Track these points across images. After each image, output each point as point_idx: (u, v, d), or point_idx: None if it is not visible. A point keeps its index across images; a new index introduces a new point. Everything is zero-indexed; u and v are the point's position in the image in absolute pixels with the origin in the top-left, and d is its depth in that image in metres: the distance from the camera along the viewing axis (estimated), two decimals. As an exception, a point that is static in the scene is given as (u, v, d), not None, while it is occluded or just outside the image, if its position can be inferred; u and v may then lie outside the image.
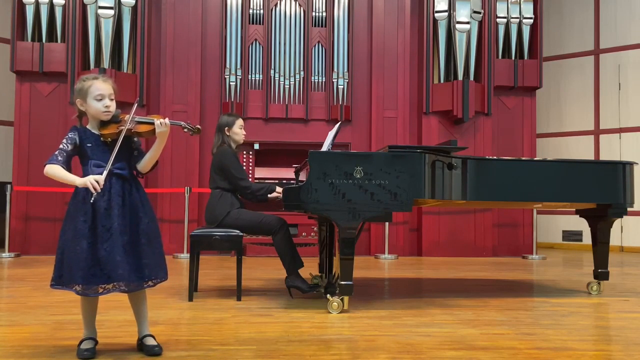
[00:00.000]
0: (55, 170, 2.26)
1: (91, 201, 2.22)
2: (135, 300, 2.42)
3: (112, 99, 2.36)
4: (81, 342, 2.34)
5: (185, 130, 2.54)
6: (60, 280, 2.26)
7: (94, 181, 2.20)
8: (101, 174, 2.25)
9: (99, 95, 2.33)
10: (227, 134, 3.96)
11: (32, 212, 6.84)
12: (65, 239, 2.26)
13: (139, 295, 2.41)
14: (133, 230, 2.30)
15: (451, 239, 7.22)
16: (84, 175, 2.29)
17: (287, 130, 7.36)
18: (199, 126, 2.60)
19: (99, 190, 2.21)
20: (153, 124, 2.39)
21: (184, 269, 5.48)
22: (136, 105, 2.47)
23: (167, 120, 2.39)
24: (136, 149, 2.44)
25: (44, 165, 2.28)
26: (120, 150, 2.31)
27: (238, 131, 3.99)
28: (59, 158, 2.28)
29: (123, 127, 2.33)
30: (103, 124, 2.37)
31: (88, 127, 2.38)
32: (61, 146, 2.30)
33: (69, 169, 2.30)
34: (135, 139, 2.43)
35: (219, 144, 3.97)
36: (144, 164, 2.43)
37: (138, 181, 2.43)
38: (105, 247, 2.23)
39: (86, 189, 2.24)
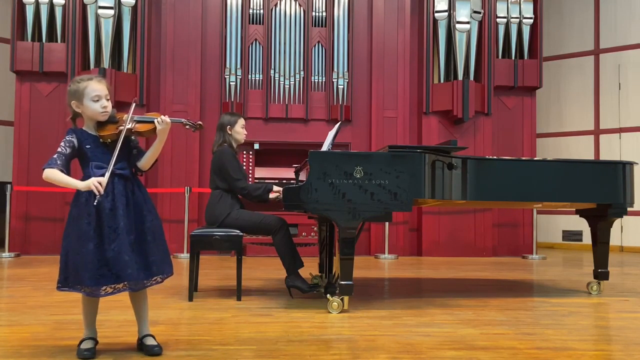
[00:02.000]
0: (55, 175, 2.22)
1: (94, 204, 2.20)
2: (137, 300, 2.42)
3: (108, 99, 2.34)
4: (81, 342, 2.34)
5: (187, 127, 2.54)
6: (66, 282, 2.26)
7: (97, 184, 2.18)
8: (103, 175, 2.24)
9: (96, 96, 2.31)
10: (229, 132, 3.96)
11: (32, 212, 6.84)
12: (69, 241, 2.25)
13: (140, 295, 2.41)
14: (139, 228, 2.31)
15: (451, 239, 7.22)
16: (85, 177, 2.28)
17: (287, 130, 7.36)
18: (200, 122, 2.59)
19: (102, 193, 2.19)
20: (153, 122, 2.38)
21: (184, 269, 5.47)
22: (134, 104, 2.43)
23: (167, 118, 2.38)
24: (135, 147, 2.43)
25: (43, 170, 2.23)
26: (119, 150, 2.29)
27: (240, 130, 3.99)
28: (58, 162, 2.24)
29: (122, 127, 2.32)
30: (100, 124, 2.35)
31: (84, 128, 2.36)
32: (59, 150, 2.26)
33: (68, 172, 2.27)
34: (133, 137, 2.42)
35: (219, 142, 3.97)
36: (145, 162, 2.42)
37: (139, 180, 2.44)
38: (113, 247, 2.23)
39: (89, 191, 2.21)
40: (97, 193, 2.17)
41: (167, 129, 2.38)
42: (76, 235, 2.23)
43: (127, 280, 2.24)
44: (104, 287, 2.24)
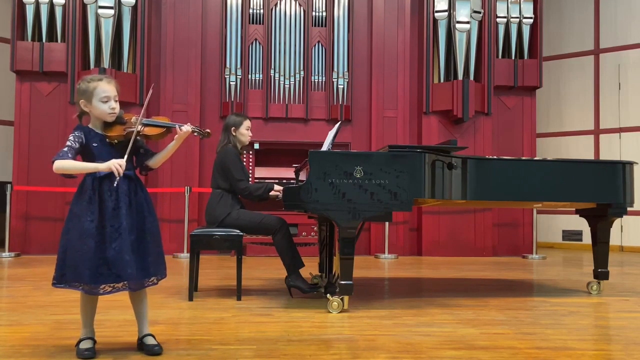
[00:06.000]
0: (68, 163, 2.24)
1: (114, 185, 2.25)
2: (136, 300, 2.43)
3: (116, 100, 2.37)
4: (79, 342, 2.34)
5: (196, 134, 2.61)
6: (62, 278, 2.26)
7: (117, 165, 2.23)
8: (109, 174, 2.27)
9: (105, 97, 2.33)
10: (234, 134, 3.96)
11: (32, 212, 6.84)
12: (69, 238, 2.26)
13: (140, 295, 2.42)
14: (139, 229, 2.32)
15: (451, 238, 7.22)
16: (89, 175, 2.31)
17: (287, 130, 7.36)
18: (208, 130, 2.68)
19: (122, 174, 2.24)
20: (162, 127, 2.45)
21: (184, 269, 5.47)
22: (144, 108, 2.47)
23: (189, 127, 2.48)
24: (141, 147, 2.47)
25: (52, 162, 2.24)
26: (124, 151, 2.32)
27: (244, 132, 3.99)
28: (69, 155, 2.26)
29: (132, 130, 2.35)
30: (107, 124, 2.39)
31: (91, 126, 2.38)
32: (69, 143, 2.28)
33: None
34: (139, 139, 2.44)
35: (223, 143, 3.98)
36: (156, 161, 2.49)
37: (141, 181, 2.45)
38: (114, 246, 2.24)
39: (92, 190, 2.27)
40: (117, 175, 2.22)
41: (185, 135, 2.46)
42: (77, 233, 2.24)
43: (127, 279, 2.25)
44: (102, 286, 2.25)
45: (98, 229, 2.24)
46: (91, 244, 2.22)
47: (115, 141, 2.36)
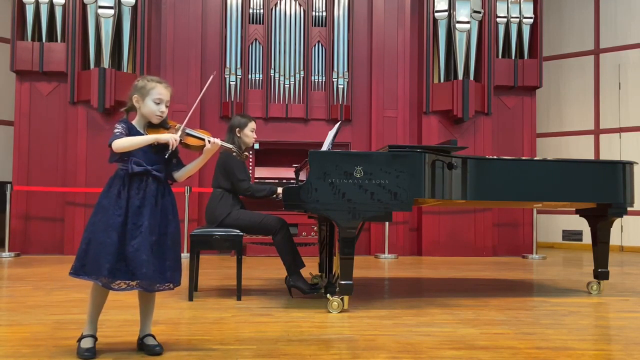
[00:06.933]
0: (126, 141, 2.30)
1: (166, 157, 2.37)
2: (146, 300, 2.44)
3: (167, 106, 2.43)
4: (81, 339, 2.34)
5: (234, 154, 2.75)
6: (82, 269, 2.26)
7: (174, 139, 2.35)
8: (141, 172, 2.33)
9: (159, 99, 2.40)
10: (238, 135, 3.96)
11: (32, 212, 6.84)
12: (94, 230, 2.28)
13: (150, 295, 2.43)
14: (162, 231, 2.35)
15: (451, 238, 7.22)
16: (121, 171, 2.35)
17: (287, 130, 7.36)
18: (246, 153, 2.73)
19: (175, 148, 2.37)
20: (202, 139, 2.49)
21: (184, 269, 5.46)
22: (188, 116, 2.54)
23: (218, 141, 2.50)
24: (176, 156, 2.50)
25: (109, 146, 2.29)
26: (161, 153, 2.38)
27: (249, 134, 3.99)
28: (122, 137, 2.32)
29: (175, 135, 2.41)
30: (151, 126, 2.44)
31: (134, 123, 2.42)
32: (117, 131, 2.33)
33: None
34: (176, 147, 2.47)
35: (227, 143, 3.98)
36: (182, 174, 2.52)
37: (169, 186, 2.48)
38: (133, 244, 2.26)
39: (122, 185, 2.31)
40: (171, 147, 2.35)
41: (214, 150, 2.50)
42: (103, 225, 2.26)
43: (141, 278, 2.27)
44: (118, 282, 2.27)
45: (122, 225, 2.27)
46: (114, 237, 2.25)
47: (155, 143, 2.39)
